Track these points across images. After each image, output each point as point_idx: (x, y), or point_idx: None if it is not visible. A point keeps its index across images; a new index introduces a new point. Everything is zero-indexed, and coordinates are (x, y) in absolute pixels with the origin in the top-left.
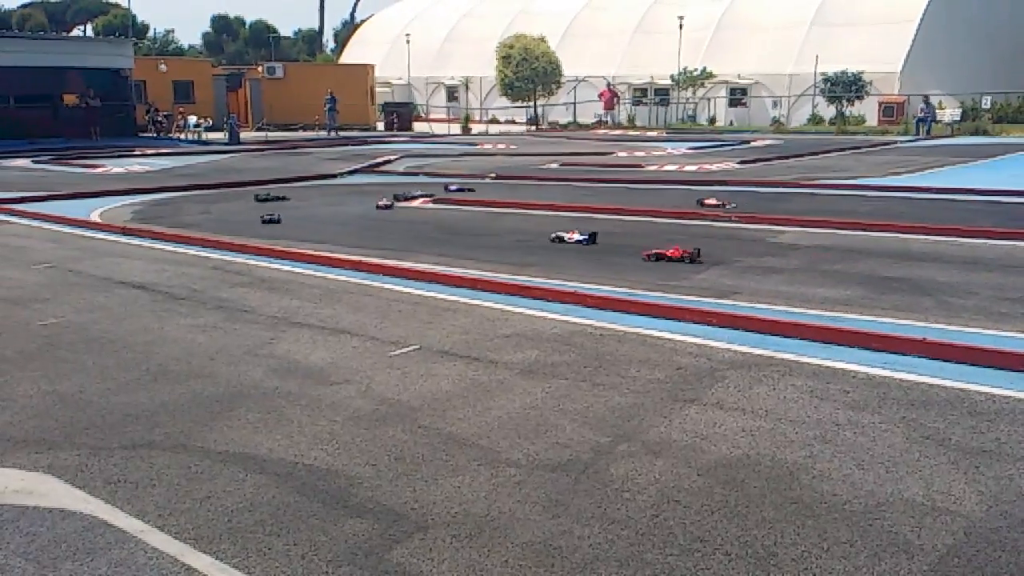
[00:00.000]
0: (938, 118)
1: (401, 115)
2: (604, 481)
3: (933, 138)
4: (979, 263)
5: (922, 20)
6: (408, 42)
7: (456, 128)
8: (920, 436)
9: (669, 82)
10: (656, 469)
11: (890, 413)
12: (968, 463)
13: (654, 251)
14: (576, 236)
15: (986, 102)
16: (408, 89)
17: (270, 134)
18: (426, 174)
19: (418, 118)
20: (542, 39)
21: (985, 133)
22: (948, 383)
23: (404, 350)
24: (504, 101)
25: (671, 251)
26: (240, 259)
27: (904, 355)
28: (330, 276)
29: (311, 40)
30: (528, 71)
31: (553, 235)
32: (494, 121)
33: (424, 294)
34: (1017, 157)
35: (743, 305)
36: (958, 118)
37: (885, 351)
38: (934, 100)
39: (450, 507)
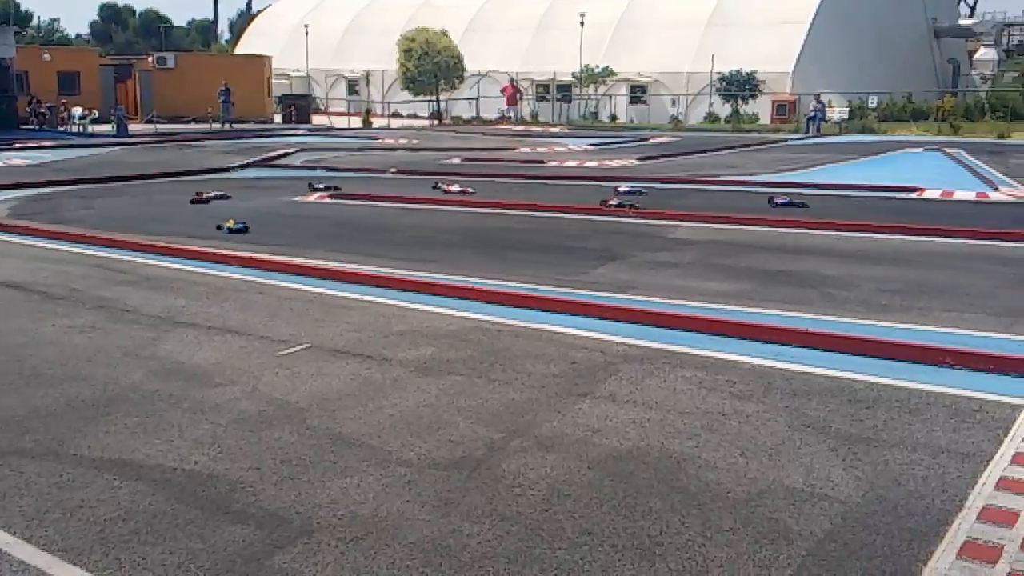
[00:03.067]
0: (827, 117)
1: (299, 108)
2: (496, 477)
3: (823, 136)
4: (862, 257)
5: (813, 22)
6: (307, 33)
7: (357, 122)
8: (802, 424)
9: (571, 79)
10: (548, 464)
11: (774, 402)
12: (847, 450)
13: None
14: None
15: (872, 101)
16: (307, 81)
17: (160, 126)
18: (324, 168)
19: (317, 111)
20: (444, 33)
21: (872, 131)
22: (830, 372)
23: (294, 349)
24: (406, 95)
25: None
26: (123, 256)
27: (789, 346)
28: (218, 273)
29: (205, 30)
30: (430, 65)
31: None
32: (396, 115)
33: (318, 291)
34: (900, 155)
35: (638, 299)
36: (846, 117)
37: (771, 342)
38: (824, 99)
39: (336, 509)
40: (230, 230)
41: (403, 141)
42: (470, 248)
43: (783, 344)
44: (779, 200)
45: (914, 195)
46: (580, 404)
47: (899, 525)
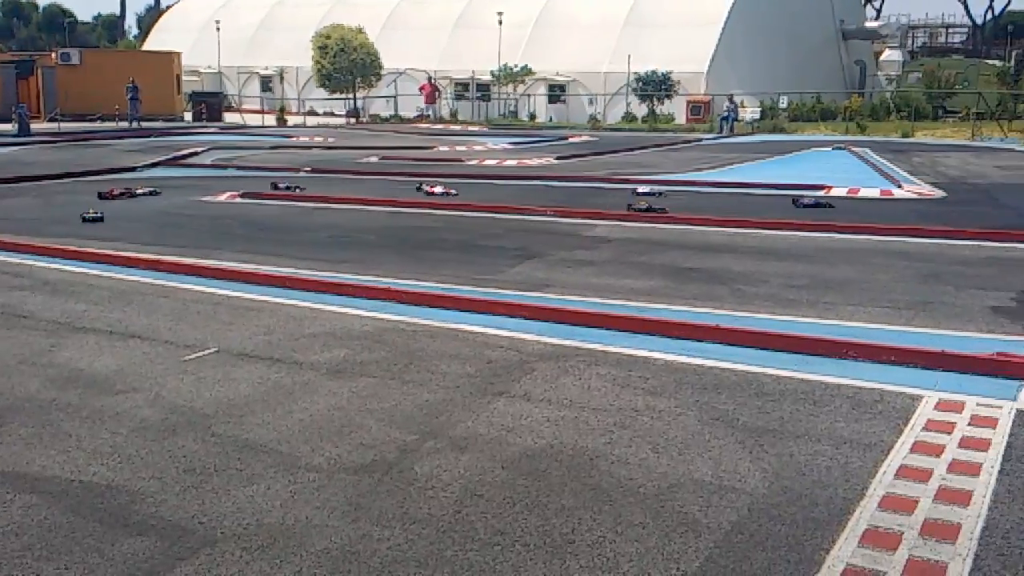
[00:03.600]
0: (740, 117)
1: (211, 105)
2: (408, 480)
3: (736, 135)
4: (771, 253)
5: (726, 23)
6: (218, 29)
7: (271, 120)
8: (711, 418)
9: (490, 78)
10: (461, 464)
11: (685, 397)
12: (754, 442)
13: None
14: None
15: (783, 101)
16: (219, 78)
17: (65, 125)
18: (236, 167)
19: (230, 109)
20: (360, 30)
21: (782, 131)
22: (739, 367)
23: (200, 354)
24: (322, 93)
25: None
26: (21, 260)
27: (700, 341)
28: (122, 276)
29: (112, 26)
30: (346, 62)
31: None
32: (312, 113)
33: (226, 294)
34: (809, 153)
35: (555, 297)
36: (758, 117)
37: (683, 338)
38: (736, 99)
39: (241, 518)
40: (84, 219)
41: (318, 139)
42: (387, 248)
43: (695, 340)
44: (807, 202)
45: (822, 192)
46: (495, 403)
47: (803, 515)
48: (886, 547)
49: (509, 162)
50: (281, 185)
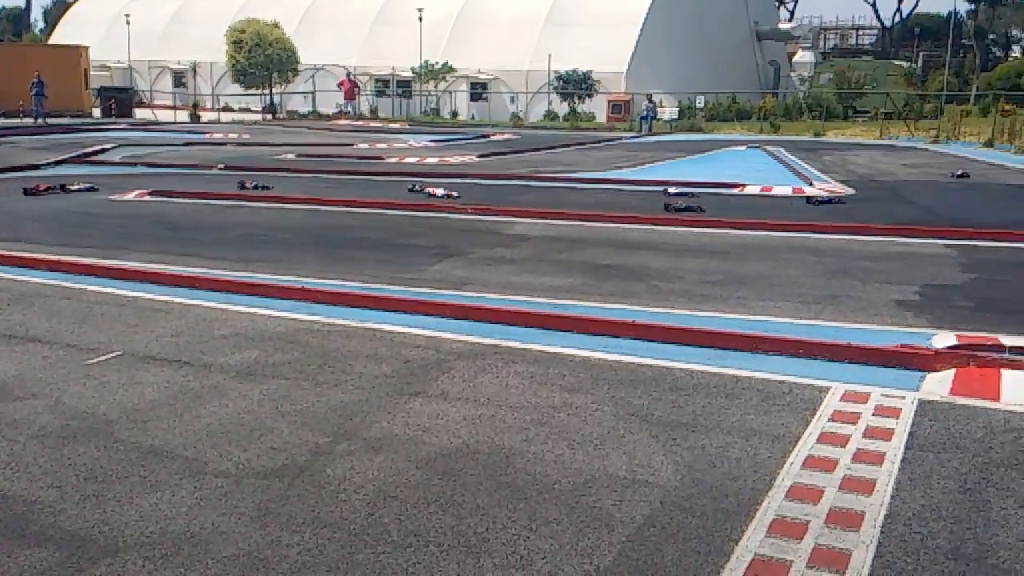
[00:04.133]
0: (659, 116)
1: (120, 101)
2: (319, 483)
3: (655, 135)
4: (687, 250)
5: (644, 23)
6: (128, 23)
7: (184, 116)
8: (627, 413)
9: (411, 74)
10: (375, 466)
11: (602, 393)
12: (667, 436)
13: None
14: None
15: (700, 101)
16: (129, 73)
17: None
18: (146, 164)
19: (141, 105)
20: (276, 25)
21: (699, 130)
22: (654, 362)
23: (103, 358)
24: (237, 88)
25: None
26: None
27: (617, 337)
28: (22, 278)
29: (16, 19)
30: (262, 57)
31: None
32: (227, 109)
33: (132, 295)
34: (725, 152)
35: (474, 295)
36: (676, 116)
37: (601, 335)
38: (655, 99)
39: (145, 527)
40: None
41: (233, 136)
42: (303, 247)
43: (612, 336)
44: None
45: (736, 191)
46: (411, 403)
47: (714, 506)
48: (793, 536)
49: (430, 160)
50: (248, 184)
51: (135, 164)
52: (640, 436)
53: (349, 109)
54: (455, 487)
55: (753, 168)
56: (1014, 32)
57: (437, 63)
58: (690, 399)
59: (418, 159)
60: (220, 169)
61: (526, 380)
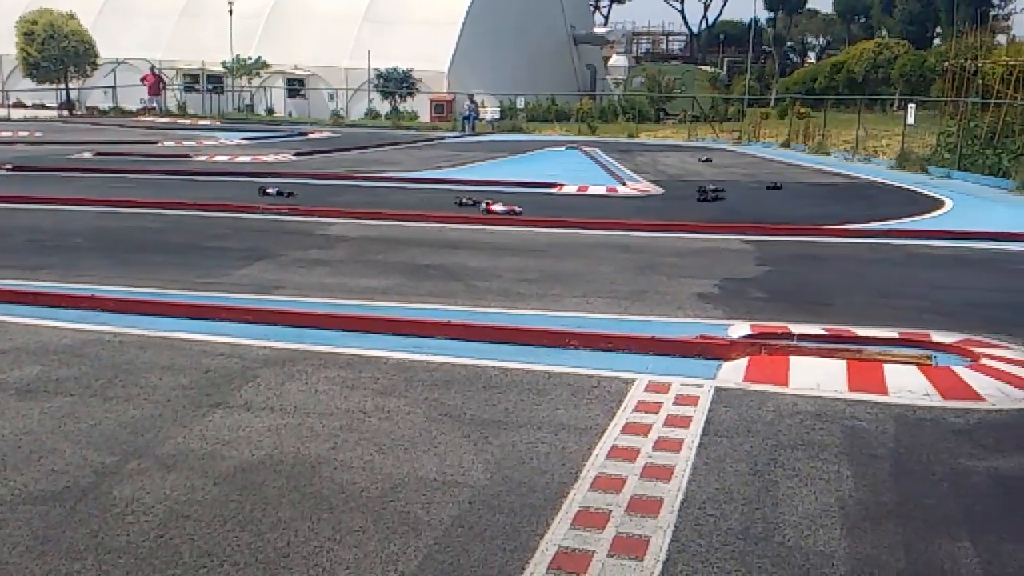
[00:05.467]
0: (481, 116)
1: None
2: (105, 506)
3: (477, 135)
4: (505, 248)
5: (464, 24)
6: None
7: None
8: (439, 414)
9: (222, 69)
10: (167, 484)
11: (415, 395)
12: (479, 435)
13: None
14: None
15: (520, 102)
16: None
17: None
18: None
19: None
20: (72, 16)
21: (520, 131)
22: (468, 361)
23: None
24: (30, 83)
25: None
26: None
27: (432, 338)
28: None
29: None
30: (56, 50)
31: None
32: (19, 105)
33: None
34: (545, 152)
35: (284, 299)
36: (498, 116)
37: (415, 335)
38: (477, 99)
39: None
40: None
41: (23, 134)
42: (97, 251)
43: (428, 336)
44: (465, 200)
45: (554, 190)
46: (211, 416)
47: (522, 502)
48: (595, 526)
49: (243, 158)
50: (271, 191)
51: None
52: (452, 436)
53: (155, 105)
54: (255, 502)
55: (571, 168)
56: (809, 39)
57: (250, 58)
58: (503, 397)
59: (229, 157)
60: (7, 170)
61: (336, 385)
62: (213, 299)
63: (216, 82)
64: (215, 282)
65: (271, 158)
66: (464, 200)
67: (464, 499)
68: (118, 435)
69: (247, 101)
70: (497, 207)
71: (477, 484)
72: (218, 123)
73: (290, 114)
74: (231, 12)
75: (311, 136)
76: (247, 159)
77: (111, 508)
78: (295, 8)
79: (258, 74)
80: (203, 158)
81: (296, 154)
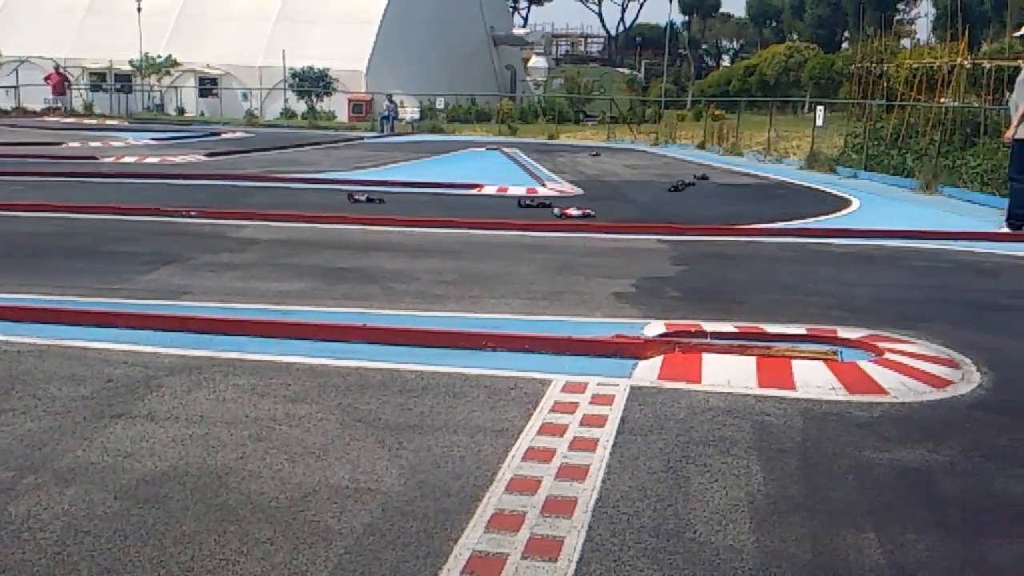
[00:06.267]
0: (400, 116)
1: None
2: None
3: (397, 135)
4: (423, 250)
5: (382, 23)
6: None
7: None
8: (353, 420)
9: (131, 68)
10: (66, 500)
11: (328, 401)
12: (394, 440)
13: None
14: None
15: (440, 103)
16: None
17: None
18: None
19: None
20: None
21: (441, 131)
22: (384, 365)
23: None
24: None
25: None
26: None
27: (347, 342)
28: None
29: None
30: None
31: None
32: None
33: None
34: (465, 153)
35: (191, 305)
36: (418, 117)
37: (330, 340)
38: (396, 99)
39: None
40: None
41: None
42: None
43: (341, 341)
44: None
45: (474, 191)
46: (112, 427)
47: (436, 507)
48: (510, 529)
49: (151, 159)
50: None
51: None
52: (366, 443)
53: (60, 105)
54: (158, 515)
55: (491, 169)
56: (724, 42)
57: (159, 56)
58: (419, 401)
59: (138, 158)
60: None
61: (245, 393)
62: (117, 305)
63: (125, 81)
64: (120, 288)
65: (181, 159)
66: (527, 203)
67: (377, 506)
68: (14, 449)
69: (157, 101)
70: (572, 211)
71: (391, 490)
72: (126, 123)
73: (202, 114)
74: (140, 9)
75: (224, 136)
76: (156, 160)
77: (6, 525)
78: (207, 5)
79: (168, 73)
80: (110, 159)
81: (208, 154)
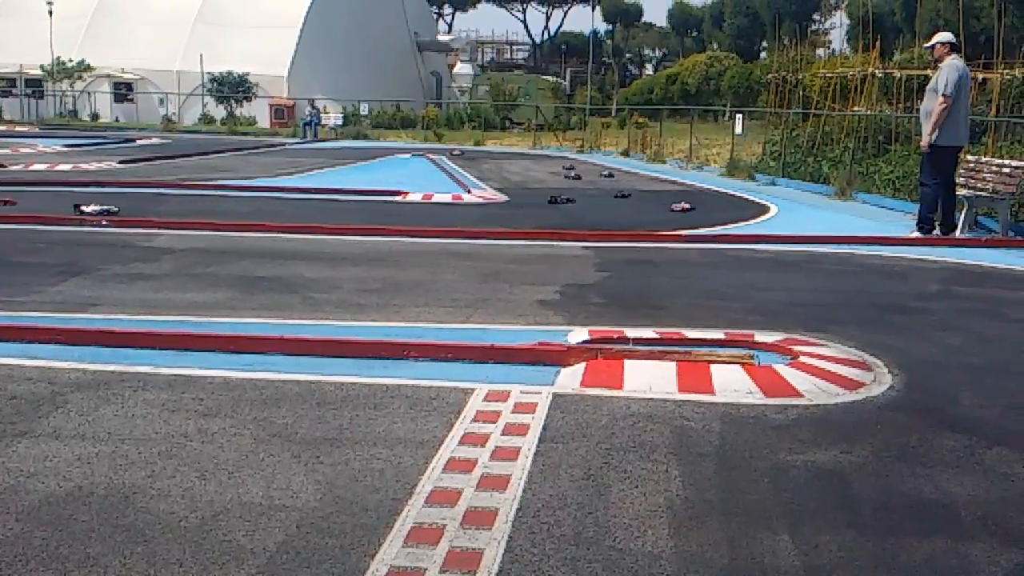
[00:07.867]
0: (323, 122)
1: None
2: None
3: (321, 141)
4: (345, 258)
5: (303, 27)
6: None
7: None
8: (268, 435)
9: (41, 72)
10: None
11: (242, 416)
12: (310, 454)
13: None
14: None
15: (364, 108)
16: None
17: None
18: None
19: None
20: None
21: (365, 137)
22: (303, 377)
23: None
24: None
25: None
26: None
27: (264, 354)
28: None
29: None
30: None
31: None
32: None
33: None
34: (390, 159)
35: (101, 318)
36: (341, 123)
37: (245, 352)
38: (319, 104)
39: None
40: None
41: None
42: None
43: (257, 352)
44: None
45: (399, 198)
46: (15, 447)
47: (353, 522)
48: (429, 542)
49: (63, 166)
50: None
51: None
52: (281, 457)
53: None
54: (61, 537)
55: (416, 175)
56: (647, 51)
57: (72, 60)
58: (337, 413)
59: (48, 165)
60: None
61: (155, 408)
62: (21, 319)
63: (36, 86)
64: (25, 300)
65: (94, 166)
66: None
67: (292, 523)
68: None
69: (70, 106)
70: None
71: (306, 507)
72: (37, 129)
73: (117, 119)
74: (51, 12)
75: (140, 142)
76: (68, 167)
77: None
78: (122, 8)
79: (81, 77)
80: (18, 167)
81: (122, 161)
